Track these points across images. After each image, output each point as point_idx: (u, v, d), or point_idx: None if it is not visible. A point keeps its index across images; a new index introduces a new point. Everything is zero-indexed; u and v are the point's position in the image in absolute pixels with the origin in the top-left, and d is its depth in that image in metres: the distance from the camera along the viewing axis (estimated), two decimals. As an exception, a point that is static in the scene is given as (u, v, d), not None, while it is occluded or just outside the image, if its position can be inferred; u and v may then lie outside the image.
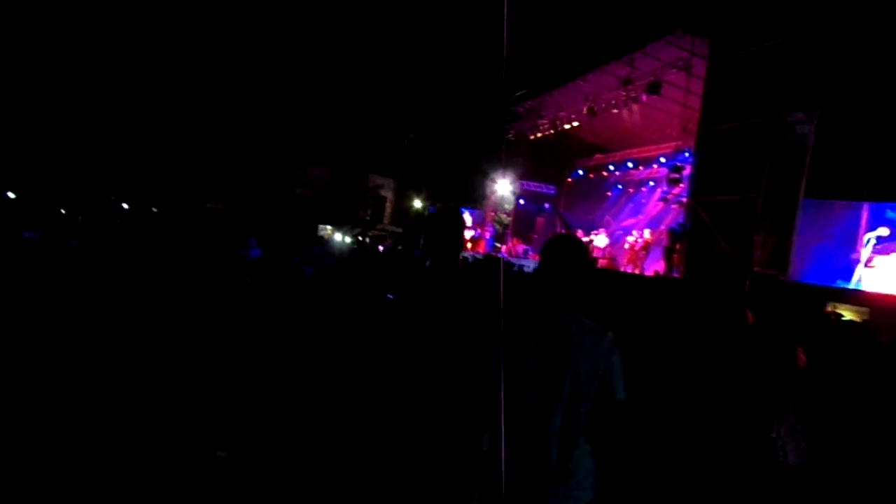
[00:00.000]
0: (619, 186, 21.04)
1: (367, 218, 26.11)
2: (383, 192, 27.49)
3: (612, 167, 20.17)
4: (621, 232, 18.25)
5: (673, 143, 16.07)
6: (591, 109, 16.52)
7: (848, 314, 9.99)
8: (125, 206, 19.90)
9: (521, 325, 1.96)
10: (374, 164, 26.24)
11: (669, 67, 13.78)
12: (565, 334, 1.92)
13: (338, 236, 20.17)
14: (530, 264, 15.95)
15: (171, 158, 23.99)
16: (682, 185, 14.15)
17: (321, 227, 25.93)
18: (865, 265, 10.67)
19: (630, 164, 19.45)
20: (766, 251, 11.26)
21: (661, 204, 18.29)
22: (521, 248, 20.25)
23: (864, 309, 11.13)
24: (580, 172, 21.50)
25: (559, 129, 18.64)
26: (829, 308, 10.75)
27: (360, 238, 20.34)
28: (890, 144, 10.23)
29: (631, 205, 20.65)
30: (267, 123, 24.04)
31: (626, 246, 16.36)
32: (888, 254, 10.48)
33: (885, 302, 11.13)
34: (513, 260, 17.21)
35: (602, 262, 16.61)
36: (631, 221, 19.38)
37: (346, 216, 25.40)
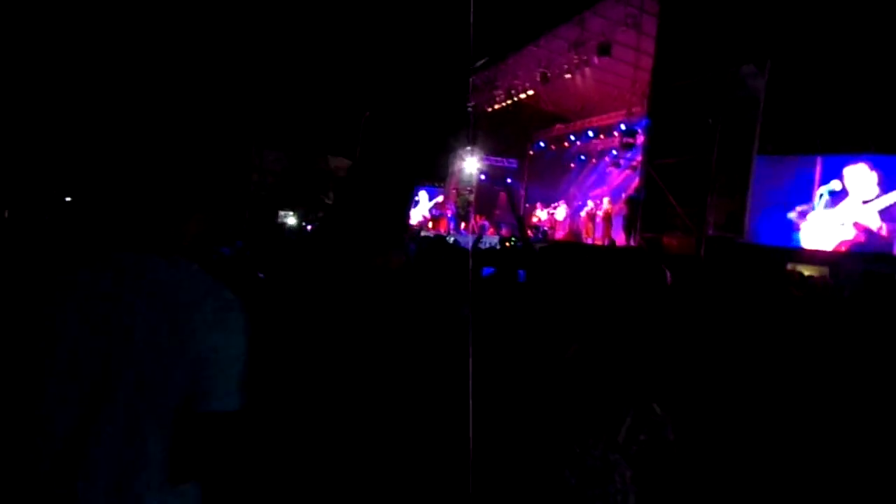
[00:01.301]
0: (582, 157, 20.49)
1: (329, 201, 25.32)
2: (344, 174, 26.70)
3: (573, 137, 19.55)
4: (580, 203, 17.73)
5: (632, 109, 15.49)
6: (543, 76, 15.89)
7: (808, 273, 9.61)
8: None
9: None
10: (333, 146, 25.43)
11: (619, 26, 13.16)
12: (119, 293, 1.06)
13: (291, 221, 19.44)
14: (491, 241, 15.45)
15: (109, 147, 22.95)
16: (637, 150, 13.63)
17: (282, 213, 25.15)
18: (811, 219, 10.28)
19: (591, 134, 18.83)
20: (720, 213, 10.77)
21: (625, 172, 17.82)
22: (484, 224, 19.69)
23: (823, 268, 10.77)
24: (541, 145, 20.87)
25: (515, 98, 18.01)
26: (790, 268, 10.36)
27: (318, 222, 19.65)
28: (841, 93, 9.73)
29: (594, 175, 20.14)
30: (217, 106, 23.11)
31: (583, 216, 15.84)
32: (835, 206, 10.08)
33: (843, 259, 10.75)
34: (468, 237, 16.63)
35: (560, 235, 16.12)
36: (596, 192, 18.88)
37: (307, 201, 24.60)
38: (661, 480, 1.67)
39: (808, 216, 10.04)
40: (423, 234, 18.70)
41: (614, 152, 18.10)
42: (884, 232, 9.62)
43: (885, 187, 9.76)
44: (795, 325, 4.23)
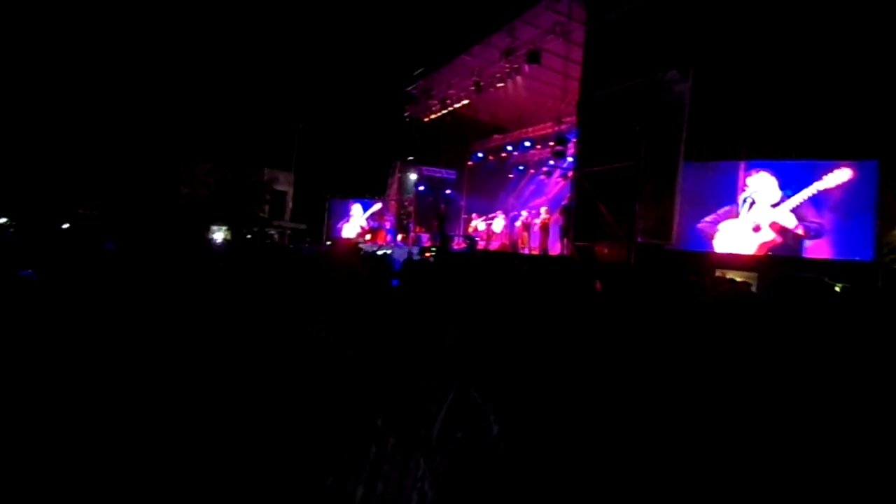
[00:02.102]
0: (521, 168, 20.39)
1: (264, 215, 24.42)
2: (282, 187, 25.81)
3: (510, 148, 19.43)
4: (516, 214, 17.57)
5: (564, 119, 15.44)
6: (477, 84, 15.71)
7: (739, 279, 9.59)
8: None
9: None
10: (268, 158, 24.56)
11: (548, 34, 13.06)
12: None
13: (218, 236, 18.53)
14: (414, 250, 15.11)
15: (35, 160, 21.55)
16: (568, 158, 13.53)
17: (215, 228, 24.10)
18: (730, 224, 10.33)
19: (528, 144, 18.77)
20: (648, 220, 10.67)
21: (562, 182, 17.75)
22: (424, 236, 19.31)
23: (751, 273, 10.82)
24: (480, 155, 20.68)
25: (450, 108, 17.78)
26: (718, 274, 10.34)
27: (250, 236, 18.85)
28: (762, 99, 9.82)
29: (532, 186, 20.05)
30: (145, 120, 21.98)
31: (519, 226, 15.68)
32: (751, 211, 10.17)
33: (771, 264, 10.83)
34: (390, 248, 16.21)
35: (495, 246, 15.90)
36: (536, 202, 18.77)
37: (241, 215, 23.63)
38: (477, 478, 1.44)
39: (726, 221, 10.06)
40: (359, 246, 18.19)
41: (551, 162, 18.07)
42: (800, 231, 9.72)
43: (788, 190, 9.95)
44: (692, 330, 4.00)
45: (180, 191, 23.44)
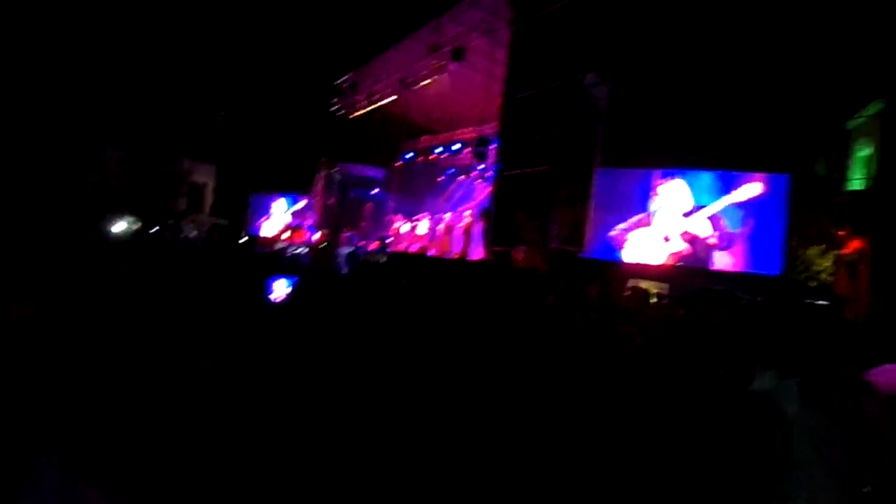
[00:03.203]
0: (452, 170, 20.02)
1: (182, 208, 23.04)
2: (201, 179, 24.45)
3: (440, 149, 19.02)
4: (439, 217, 17.16)
5: (489, 121, 15.14)
6: (402, 80, 15.20)
7: (653, 289, 9.43)
8: None
9: None
10: (187, 147, 23.12)
11: (473, 31, 12.71)
12: None
13: (118, 228, 17.18)
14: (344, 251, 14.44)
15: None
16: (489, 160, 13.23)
17: (126, 219, 22.53)
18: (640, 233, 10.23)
19: (457, 146, 18.41)
20: (563, 226, 10.42)
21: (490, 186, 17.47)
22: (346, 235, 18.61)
23: (663, 284, 10.69)
24: (409, 156, 20.19)
25: (376, 104, 17.21)
26: (631, 284, 10.16)
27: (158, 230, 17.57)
28: (680, 107, 9.73)
29: (462, 189, 19.69)
30: (49, 97, 20.26)
31: (441, 229, 15.27)
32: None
33: (682, 274, 10.75)
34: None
35: (414, 249, 15.44)
36: (466, 206, 18.43)
37: (155, 207, 22.17)
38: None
39: (637, 230, 9.91)
40: (277, 246, 17.33)
41: (482, 166, 17.78)
42: (712, 241, 9.69)
43: (700, 200, 9.94)
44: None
45: (88, 178, 21.81)
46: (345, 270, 9.40)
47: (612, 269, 9.84)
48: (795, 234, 14.91)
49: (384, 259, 11.50)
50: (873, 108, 13.10)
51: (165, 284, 5.26)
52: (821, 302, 10.58)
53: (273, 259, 9.12)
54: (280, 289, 5.48)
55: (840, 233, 11.43)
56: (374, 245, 15.90)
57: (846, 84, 11.67)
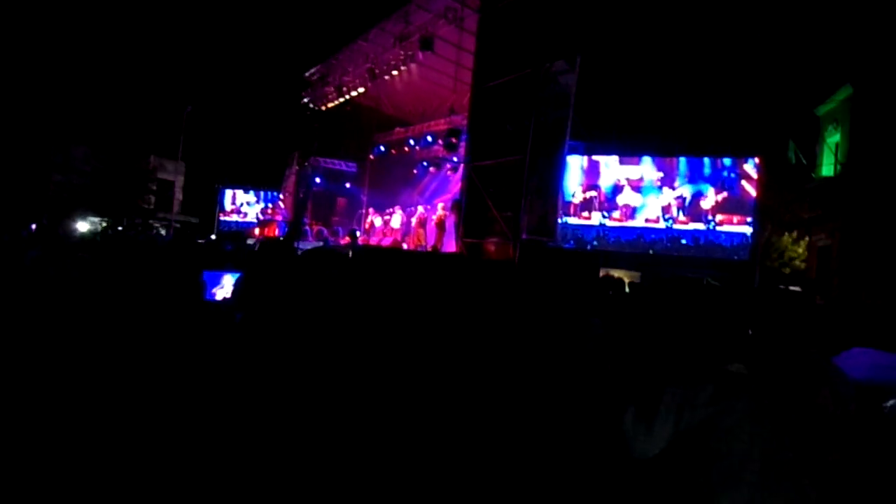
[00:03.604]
0: (425, 163, 19.74)
1: (149, 206, 22.45)
2: (169, 176, 23.83)
3: (412, 142, 18.72)
4: (412, 209, 16.89)
5: (458, 110, 14.92)
6: (371, 71, 14.89)
7: (626, 278, 9.33)
8: None
9: None
10: (154, 144, 22.56)
11: (441, 19, 12.44)
12: None
13: (82, 227, 16.63)
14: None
15: None
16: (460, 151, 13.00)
17: (91, 219, 21.93)
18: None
19: (430, 139, 18.14)
20: (533, 216, 10.22)
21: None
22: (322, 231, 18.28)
23: (635, 273, 10.61)
24: (382, 149, 19.86)
25: (345, 95, 16.88)
26: (603, 273, 10.04)
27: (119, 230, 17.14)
28: (648, 92, 9.58)
29: (436, 182, 19.43)
30: (11, 93, 19.57)
31: (414, 222, 15.04)
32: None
33: (654, 262, 10.67)
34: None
35: (387, 242, 15.20)
36: (440, 199, 18.18)
37: (122, 205, 21.60)
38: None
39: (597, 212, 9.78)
40: (249, 241, 16.93)
41: (455, 158, 17.55)
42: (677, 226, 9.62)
43: (671, 182, 9.85)
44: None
45: (51, 178, 21.16)
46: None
47: (581, 258, 9.69)
48: (768, 221, 14.98)
49: (350, 252, 11.21)
50: (842, 94, 13.14)
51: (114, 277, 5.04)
52: (793, 287, 10.58)
53: (214, 252, 8.77)
54: (226, 284, 5.22)
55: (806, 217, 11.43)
56: (344, 240, 15.61)
57: (815, 68, 11.63)
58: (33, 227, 8.27)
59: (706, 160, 9.99)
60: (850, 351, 3.27)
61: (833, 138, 13.69)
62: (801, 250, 15.57)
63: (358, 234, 15.06)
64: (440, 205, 15.54)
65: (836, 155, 13.06)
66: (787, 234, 15.49)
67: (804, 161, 13.47)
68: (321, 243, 13.48)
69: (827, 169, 13.60)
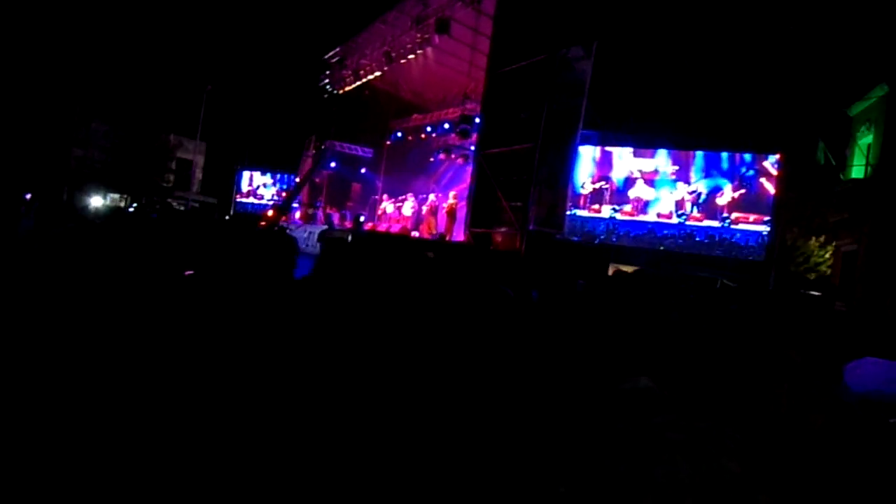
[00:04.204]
0: (441, 150, 19.44)
1: (168, 185, 22.58)
2: (188, 155, 23.94)
3: (429, 129, 18.43)
4: (423, 197, 16.65)
5: (473, 97, 14.59)
6: (387, 55, 14.65)
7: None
8: None
9: None
10: (175, 123, 22.65)
11: (458, 1, 12.11)
12: None
13: (95, 202, 16.73)
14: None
15: None
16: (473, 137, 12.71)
17: (110, 195, 22.14)
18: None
19: (447, 126, 17.83)
20: (542, 206, 9.89)
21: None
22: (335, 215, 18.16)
23: (636, 267, 10.24)
24: (399, 135, 19.61)
25: (363, 79, 16.66)
26: (612, 269, 9.72)
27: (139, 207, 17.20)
28: (667, 83, 9.18)
29: (452, 171, 19.14)
30: (32, 69, 19.77)
31: (425, 210, 14.80)
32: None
33: (665, 259, 10.28)
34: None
35: (396, 229, 15.02)
36: (457, 188, 17.91)
37: (142, 183, 21.74)
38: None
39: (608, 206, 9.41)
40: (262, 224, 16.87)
41: (472, 147, 17.23)
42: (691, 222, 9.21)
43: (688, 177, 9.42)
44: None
45: (72, 152, 21.36)
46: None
47: (590, 253, 9.35)
48: (794, 224, 14.35)
49: (349, 237, 11.02)
50: (878, 93, 12.49)
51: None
52: (812, 292, 10.09)
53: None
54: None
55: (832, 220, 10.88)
56: (349, 224, 15.48)
57: (848, 66, 11.05)
58: (27, 196, 8.21)
59: (724, 155, 9.52)
60: (860, 360, 2.95)
61: (865, 139, 13.06)
62: (827, 255, 14.94)
63: (362, 219, 14.86)
64: (452, 193, 15.28)
65: (867, 156, 12.45)
66: (814, 238, 14.87)
67: (833, 162, 12.85)
68: (327, 227, 13.31)
69: (857, 171, 12.99)
